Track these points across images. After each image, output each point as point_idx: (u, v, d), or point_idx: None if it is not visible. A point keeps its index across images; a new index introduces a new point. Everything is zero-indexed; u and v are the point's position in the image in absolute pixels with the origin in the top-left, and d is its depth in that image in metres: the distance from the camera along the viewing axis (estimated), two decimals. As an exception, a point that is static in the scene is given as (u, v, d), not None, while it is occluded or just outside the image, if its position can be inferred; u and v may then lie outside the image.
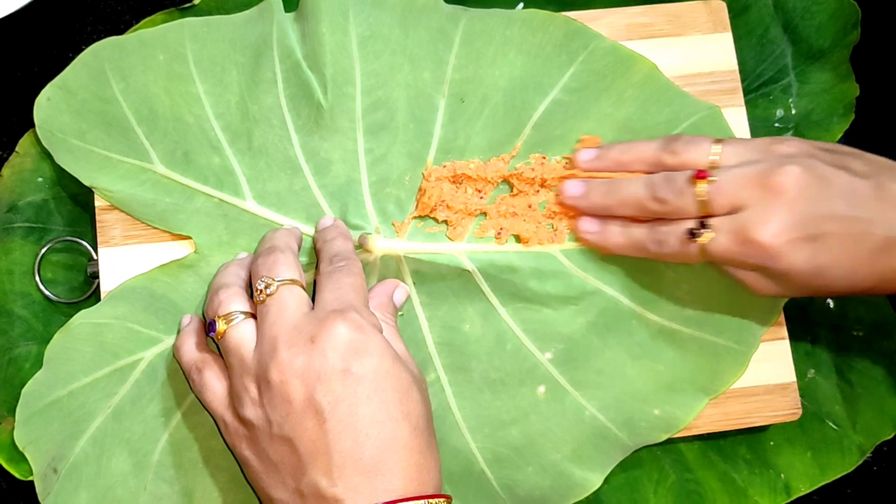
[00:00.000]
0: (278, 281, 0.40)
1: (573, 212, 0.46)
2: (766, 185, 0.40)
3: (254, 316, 0.40)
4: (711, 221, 0.41)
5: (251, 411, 0.38)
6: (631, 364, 0.45)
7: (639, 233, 0.44)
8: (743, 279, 0.42)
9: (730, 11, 0.51)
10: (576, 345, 0.45)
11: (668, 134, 0.47)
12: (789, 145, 0.42)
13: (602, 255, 0.46)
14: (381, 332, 0.39)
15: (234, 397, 0.39)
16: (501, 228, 0.46)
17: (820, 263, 0.40)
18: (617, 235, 0.44)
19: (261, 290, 0.40)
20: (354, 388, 0.37)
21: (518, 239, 0.46)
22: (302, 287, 0.40)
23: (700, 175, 0.41)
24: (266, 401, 0.38)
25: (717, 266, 0.43)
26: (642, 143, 0.45)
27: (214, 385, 0.40)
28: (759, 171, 0.41)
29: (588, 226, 0.45)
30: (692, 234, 0.41)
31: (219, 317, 0.40)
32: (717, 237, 0.41)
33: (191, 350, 0.42)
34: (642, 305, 0.46)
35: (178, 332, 0.43)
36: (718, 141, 0.43)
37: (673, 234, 0.42)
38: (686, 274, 0.46)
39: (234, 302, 0.40)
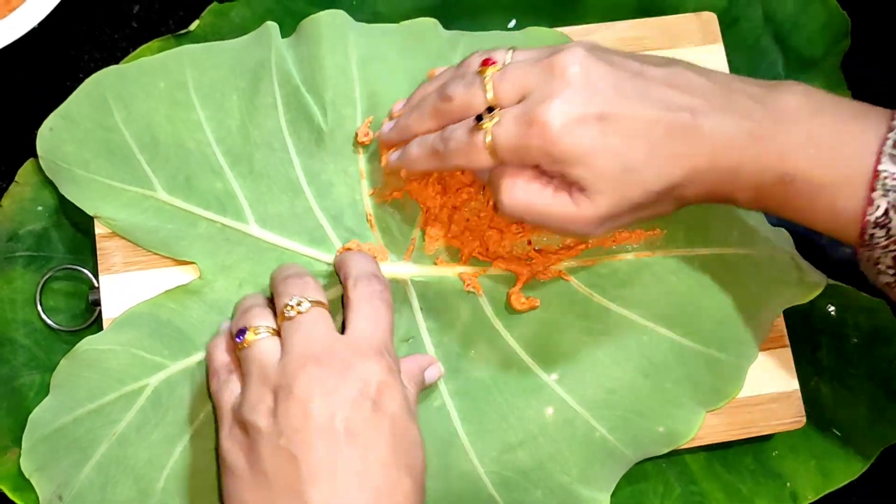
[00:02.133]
0: (311, 300, 0.41)
1: (397, 168, 0.46)
2: (550, 65, 0.40)
3: (278, 336, 0.42)
4: (499, 109, 0.41)
5: (262, 419, 0.39)
6: (642, 381, 0.47)
7: (431, 138, 0.43)
8: (548, 211, 0.41)
9: (721, 24, 0.54)
10: (582, 364, 0.47)
11: None
12: (575, 44, 0.42)
13: (608, 273, 0.48)
14: (402, 381, 0.41)
15: (244, 402, 0.40)
16: (503, 253, 0.48)
17: (612, 143, 0.39)
18: (413, 149, 0.44)
19: (292, 307, 0.41)
20: (375, 425, 0.39)
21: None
22: (329, 312, 0.42)
23: (486, 62, 0.42)
24: (281, 411, 0.39)
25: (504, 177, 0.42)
26: (444, 70, 0.46)
27: (234, 387, 0.42)
28: (545, 54, 0.41)
29: (391, 156, 0.46)
30: (478, 121, 0.41)
31: (250, 327, 0.42)
32: (502, 122, 0.40)
33: (223, 352, 0.44)
34: (654, 321, 0.48)
35: (215, 334, 0.45)
36: (512, 48, 0.43)
37: (461, 128, 0.42)
38: (696, 286, 0.48)
39: (262, 317, 0.42)
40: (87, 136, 0.47)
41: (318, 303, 0.42)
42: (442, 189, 0.48)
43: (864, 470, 0.51)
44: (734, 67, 0.54)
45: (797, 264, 0.49)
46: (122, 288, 0.47)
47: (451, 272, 0.48)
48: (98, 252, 0.47)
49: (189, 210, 0.47)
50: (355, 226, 0.48)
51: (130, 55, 0.50)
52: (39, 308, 0.48)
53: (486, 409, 0.47)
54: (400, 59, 0.49)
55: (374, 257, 0.47)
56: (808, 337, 0.53)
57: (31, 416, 0.45)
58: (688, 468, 0.50)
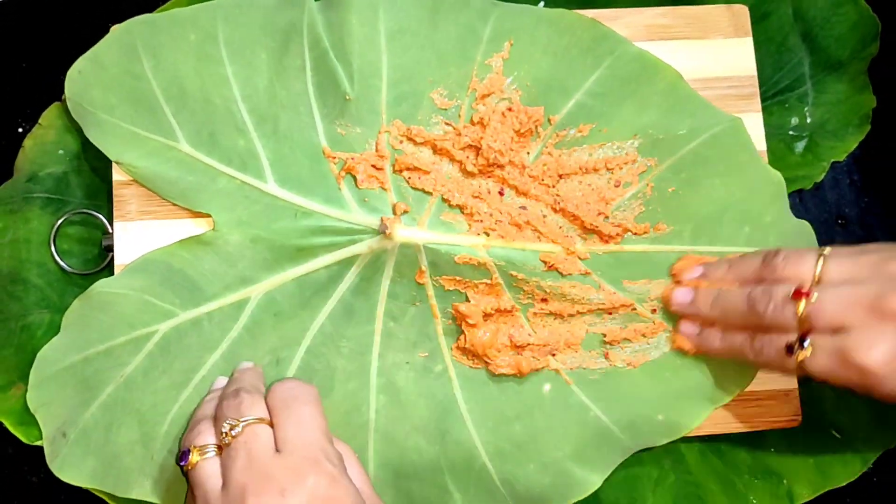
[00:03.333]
0: (243, 422, 0.42)
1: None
2: (875, 308, 0.42)
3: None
4: (812, 338, 0.43)
5: None
6: (639, 369, 0.49)
7: (738, 340, 0.46)
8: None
9: (752, 17, 0.55)
10: (583, 346, 0.49)
11: (690, 141, 0.50)
12: None
13: (623, 266, 0.50)
14: (348, 478, 0.41)
15: None
16: (518, 224, 0.49)
17: None
18: (716, 341, 0.48)
19: (226, 433, 0.42)
20: None
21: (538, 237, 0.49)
22: (269, 425, 0.42)
23: (798, 294, 0.44)
24: None
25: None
26: (745, 261, 0.48)
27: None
28: (867, 293, 0.42)
29: (689, 329, 0.49)
30: (790, 350, 0.44)
31: (195, 447, 0.42)
32: (816, 355, 0.43)
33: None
34: (658, 314, 0.49)
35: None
36: (822, 254, 0.45)
37: (771, 346, 0.45)
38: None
39: (211, 434, 0.43)
40: (115, 82, 0.48)
41: (255, 421, 0.42)
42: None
43: (862, 472, 0.52)
44: (760, 62, 0.55)
45: None
46: (135, 235, 0.49)
47: (464, 241, 0.49)
48: (114, 199, 0.49)
49: (210, 164, 0.49)
50: (374, 191, 0.49)
51: (163, 6, 0.51)
52: (53, 250, 0.50)
53: (487, 379, 0.48)
54: (429, 32, 0.50)
55: None
56: (813, 337, 0.53)
57: (39, 353, 0.46)
58: (683, 458, 0.52)
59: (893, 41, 0.56)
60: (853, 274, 0.43)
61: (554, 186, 0.50)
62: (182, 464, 0.42)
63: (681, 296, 0.49)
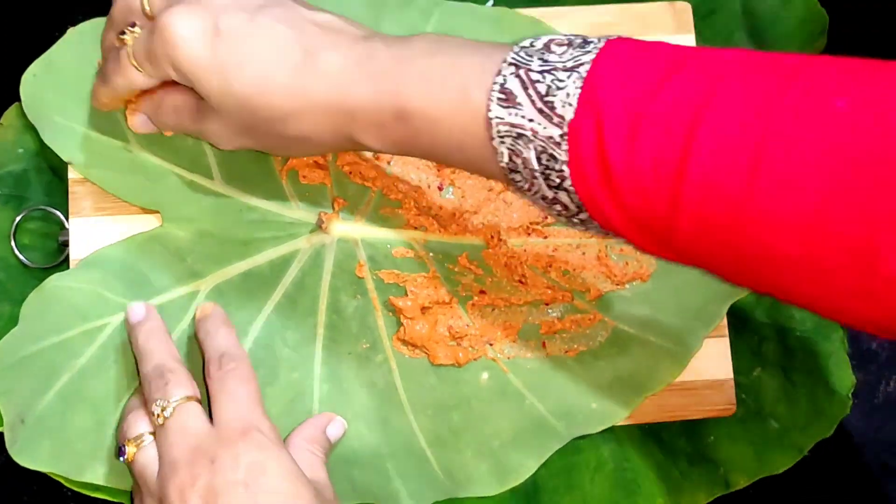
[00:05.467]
0: (174, 402, 0.44)
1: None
2: None
3: None
4: (141, 25, 0.44)
5: None
6: (574, 358, 0.52)
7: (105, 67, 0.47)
8: (191, 127, 0.45)
9: (696, 14, 0.57)
10: (521, 336, 0.51)
11: None
12: None
13: (560, 256, 0.52)
14: (282, 447, 0.44)
15: None
16: (455, 213, 0.52)
17: (224, 61, 0.41)
18: (97, 86, 0.48)
19: (158, 414, 0.44)
20: None
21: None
22: (197, 401, 0.45)
23: None
24: None
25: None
26: None
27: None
28: None
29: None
30: (122, 35, 0.44)
31: (128, 441, 0.45)
32: (140, 34, 0.43)
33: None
34: (594, 304, 0.52)
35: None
36: None
37: (112, 47, 0.45)
38: (633, 275, 0.52)
39: (141, 423, 0.45)
40: (68, 85, 0.52)
41: (184, 399, 0.44)
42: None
43: (797, 460, 0.54)
44: (705, 59, 0.57)
45: None
46: (90, 231, 0.52)
47: (400, 235, 0.52)
48: (70, 196, 0.52)
49: (159, 164, 0.52)
50: (314, 185, 0.52)
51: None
52: (13, 244, 0.53)
53: (426, 369, 0.51)
54: (372, 26, 0.52)
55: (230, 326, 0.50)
56: (754, 329, 0.56)
57: None
58: (622, 445, 0.55)
59: (840, 35, 0.58)
60: None
61: (499, 194, 0.53)
62: (121, 459, 0.45)
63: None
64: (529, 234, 0.53)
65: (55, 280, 0.51)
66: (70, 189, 0.52)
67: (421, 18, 0.54)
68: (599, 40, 0.38)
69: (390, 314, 0.52)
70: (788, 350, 0.56)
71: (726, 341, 0.54)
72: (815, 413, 0.55)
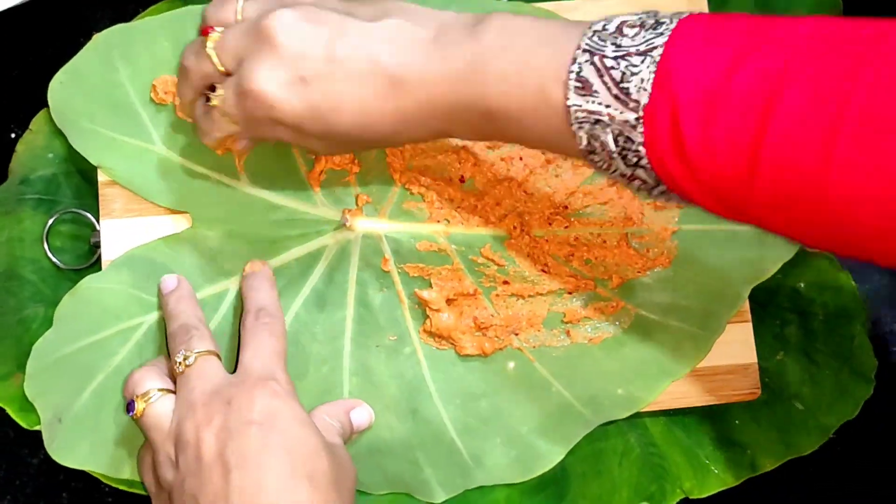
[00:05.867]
0: (196, 353, 0.46)
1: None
2: (257, 31, 0.43)
3: (172, 392, 0.46)
4: (223, 82, 0.45)
5: (169, 473, 0.44)
6: (598, 345, 0.52)
7: (193, 109, 0.48)
8: (300, 144, 0.46)
9: (710, 3, 0.57)
10: (545, 325, 0.53)
11: None
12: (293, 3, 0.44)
13: (581, 244, 0.53)
14: (296, 398, 0.46)
15: (156, 467, 0.45)
16: (478, 205, 0.53)
17: (319, 107, 0.43)
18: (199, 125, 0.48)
19: (180, 362, 0.46)
20: (263, 446, 0.43)
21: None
22: (218, 357, 0.47)
23: (205, 31, 0.45)
24: (181, 461, 0.44)
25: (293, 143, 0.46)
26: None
27: (146, 459, 0.47)
28: (254, 19, 0.44)
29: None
30: (208, 101, 0.45)
31: (137, 396, 0.46)
32: (226, 97, 0.44)
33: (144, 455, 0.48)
34: (617, 291, 0.53)
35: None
36: None
37: (200, 107, 0.46)
38: (654, 262, 0.53)
39: (150, 380, 0.47)
40: (94, 91, 0.53)
41: (206, 352, 0.47)
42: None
43: (823, 442, 0.55)
44: (721, 47, 0.57)
45: (760, 240, 0.54)
46: (121, 232, 0.53)
47: (423, 229, 0.53)
48: (100, 198, 0.53)
49: (186, 165, 0.53)
50: (339, 183, 0.53)
51: (140, 14, 0.56)
52: (46, 247, 0.55)
53: (454, 359, 0.52)
54: None
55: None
56: (777, 313, 0.57)
57: (35, 346, 0.51)
58: (648, 431, 0.55)
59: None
60: (263, 7, 0.44)
61: (520, 184, 0.53)
62: (130, 414, 0.46)
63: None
64: (551, 224, 0.54)
65: (89, 282, 0.52)
66: (100, 192, 0.53)
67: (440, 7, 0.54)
68: (672, 19, 0.38)
69: (416, 307, 0.53)
70: (811, 333, 0.57)
71: (749, 326, 0.54)
72: (839, 395, 0.56)
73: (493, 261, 0.53)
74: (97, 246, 0.54)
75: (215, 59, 0.45)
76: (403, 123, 0.43)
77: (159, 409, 0.46)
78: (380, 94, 0.42)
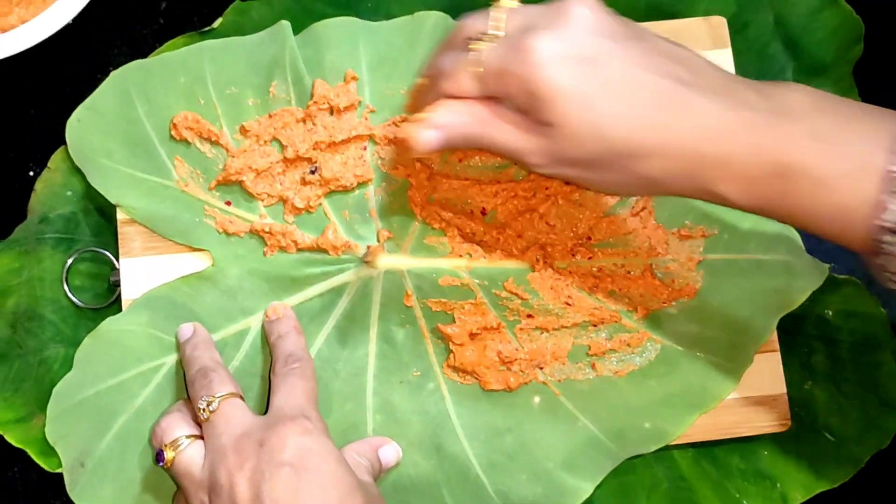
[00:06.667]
0: (219, 397, 0.46)
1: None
2: (558, 7, 0.41)
3: (200, 437, 0.46)
4: (496, 37, 0.42)
5: None
6: (624, 378, 0.52)
7: (449, 50, 0.44)
8: (508, 145, 0.42)
9: (730, 28, 0.57)
10: (570, 358, 0.52)
11: None
12: None
13: (605, 276, 0.53)
14: (328, 436, 0.45)
15: None
16: (500, 238, 0.52)
17: (590, 91, 0.39)
18: (447, 59, 0.44)
19: (203, 409, 0.46)
20: (297, 486, 0.42)
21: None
22: (241, 398, 0.47)
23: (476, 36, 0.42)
24: None
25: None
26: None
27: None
28: (551, 3, 0.42)
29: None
30: (474, 40, 0.42)
31: (165, 445, 0.46)
32: (493, 46, 0.41)
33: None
34: (642, 323, 0.52)
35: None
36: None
37: (456, 51, 0.43)
38: (680, 293, 0.52)
39: (177, 428, 0.46)
40: (112, 128, 0.52)
41: (228, 395, 0.46)
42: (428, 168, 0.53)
43: (854, 473, 0.54)
44: (742, 72, 0.57)
45: (788, 269, 0.53)
46: (140, 271, 0.53)
47: (445, 264, 0.52)
48: (119, 236, 0.53)
49: (205, 200, 0.52)
50: (359, 217, 0.53)
51: (156, 51, 0.55)
52: (66, 287, 0.54)
53: (478, 394, 0.51)
54: (409, 59, 0.53)
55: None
56: (803, 342, 0.56)
57: (55, 389, 0.51)
58: (676, 464, 0.54)
59: (878, 42, 0.58)
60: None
61: (542, 216, 0.53)
62: (160, 464, 0.46)
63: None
64: (574, 255, 0.53)
65: (109, 324, 0.51)
66: (119, 230, 0.53)
67: None
68: None
69: (440, 342, 0.52)
70: (838, 362, 0.56)
71: (777, 356, 0.54)
72: (868, 425, 0.55)
73: (516, 294, 0.52)
74: (116, 284, 0.53)
75: (497, 23, 0.42)
76: (672, 144, 0.39)
77: (189, 456, 0.45)
78: (660, 103, 0.39)
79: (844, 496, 0.55)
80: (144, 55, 0.55)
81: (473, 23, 0.44)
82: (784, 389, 0.53)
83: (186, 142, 0.52)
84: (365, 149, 0.53)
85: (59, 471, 0.51)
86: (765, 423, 0.53)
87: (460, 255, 0.53)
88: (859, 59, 0.58)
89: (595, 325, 0.52)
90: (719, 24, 0.57)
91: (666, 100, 0.39)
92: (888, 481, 0.56)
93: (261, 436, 0.44)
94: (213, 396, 0.46)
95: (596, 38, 0.40)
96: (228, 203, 0.53)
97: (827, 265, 0.53)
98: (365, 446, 0.50)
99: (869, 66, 0.58)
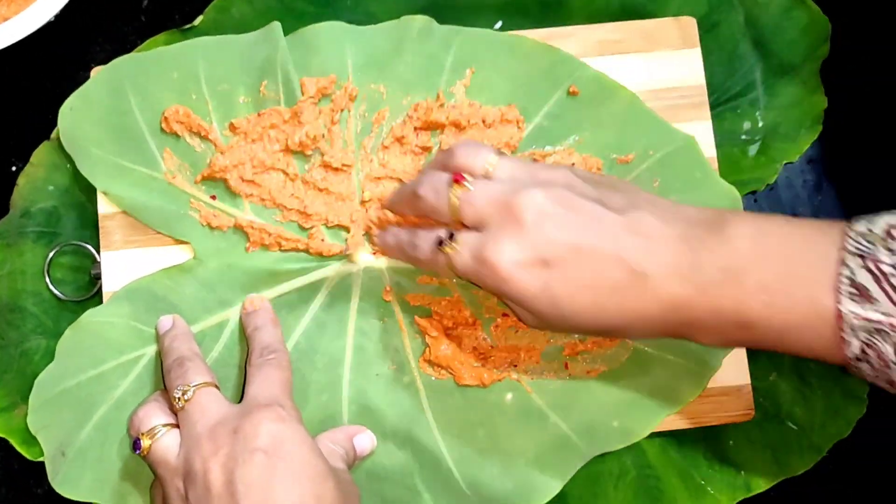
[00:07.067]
0: (194, 386, 0.47)
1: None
2: (507, 206, 0.43)
3: (176, 426, 0.47)
4: (460, 235, 0.45)
5: None
6: (596, 378, 0.53)
7: (403, 235, 0.49)
8: (509, 308, 0.46)
9: (701, 27, 0.58)
10: (544, 357, 0.53)
11: (644, 160, 0.54)
12: (554, 172, 0.45)
13: None
14: (301, 424, 0.46)
15: (168, 502, 0.46)
16: None
17: (555, 293, 0.42)
18: (389, 237, 0.50)
19: (178, 398, 0.47)
20: (270, 472, 0.43)
21: None
22: (216, 387, 0.48)
23: (457, 178, 0.45)
24: (191, 494, 0.44)
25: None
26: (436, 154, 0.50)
27: (158, 495, 0.48)
28: (506, 190, 0.44)
29: (375, 234, 0.52)
30: (440, 244, 0.45)
31: (142, 434, 0.47)
32: (460, 251, 0.44)
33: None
34: None
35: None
36: (501, 154, 0.46)
37: (427, 240, 0.47)
38: None
39: (154, 417, 0.47)
40: (104, 118, 0.53)
41: (203, 384, 0.47)
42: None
43: (816, 461, 0.56)
44: (711, 72, 0.58)
45: None
46: (121, 264, 0.54)
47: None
48: (100, 230, 0.54)
49: (191, 193, 0.53)
50: (343, 216, 0.54)
51: (139, 47, 0.56)
52: (47, 279, 0.55)
53: (452, 389, 0.52)
54: (396, 62, 0.55)
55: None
56: (769, 334, 0.57)
57: (37, 380, 0.52)
58: (643, 453, 0.56)
59: (843, 42, 0.59)
60: (515, 174, 0.45)
61: None
62: (137, 452, 0.47)
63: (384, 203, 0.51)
64: None
65: (89, 316, 0.52)
66: (100, 223, 0.54)
67: (441, 48, 0.55)
68: None
69: (417, 336, 0.53)
70: (803, 354, 0.57)
71: (742, 349, 0.55)
72: (831, 414, 0.56)
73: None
74: (98, 277, 0.54)
75: (458, 213, 0.45)
76: (640, 320, 0.43)
77: (165, 444, 0.46)
78: (620, 288, 0.42)
79: (807, 483, 0.56)
80: (126, 52, 0.56)
81: (434, 199, 0.46)
82: (748, 380, 0.55)
83: (176, 135, 0.53)
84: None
85: (40, 460, 0.52)
86: (730, 413, 0.55)
87: None
88: (827, 59, 0.59)
89: None
90: (689, 24, 0.58)
91: (623, 286, 0.42)
92: (849, 470, 0.58)
93: (235, 424, 0.45)
94: (189, 386, 0.47)
95: (552, 237, 0.42)
96: (214, 197, 0.54)
97: None
98: (340, 434, 0.51)
99: (834, 66, 0.60)
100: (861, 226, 0.40)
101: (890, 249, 0.38)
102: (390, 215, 0.52)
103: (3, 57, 0.54)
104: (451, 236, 0.45)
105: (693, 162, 0.54)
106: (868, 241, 0.38)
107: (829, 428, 0.56)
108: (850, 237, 0.39)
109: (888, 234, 0.39)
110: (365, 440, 0.51)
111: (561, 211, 0.43)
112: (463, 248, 0.45)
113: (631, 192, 0.45)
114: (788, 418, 0.57)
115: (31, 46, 0.55)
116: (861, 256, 0.38)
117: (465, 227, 0.45)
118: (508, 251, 0.43)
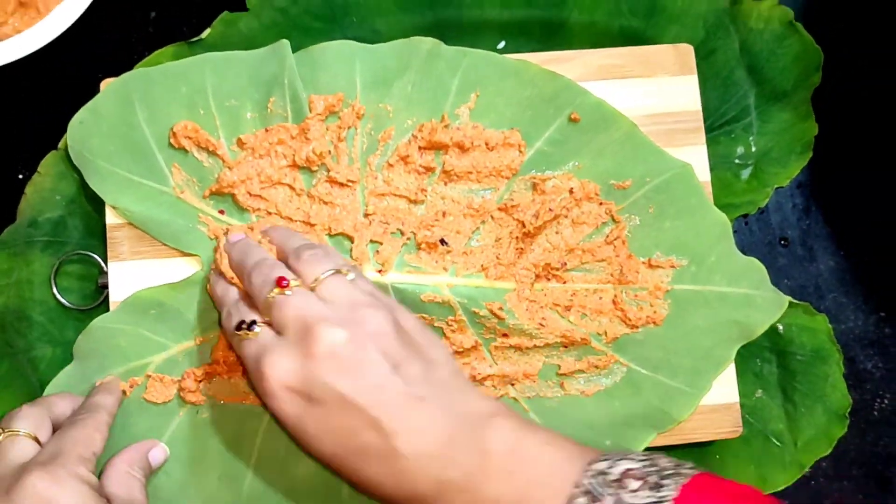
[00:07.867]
0: (8, 431, 0.47)
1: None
2: (307, 329, 0.44)
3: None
4: (262, 328, 0.47)
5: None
6: (590, 398, 0.55)
7: (230, 296, 0.50)
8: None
9: (697, 54, 0.60)
10: (541, 376, 0.55)
11: (641, 187, 0.56)
12: (374, 315, 0.46)
13: (578, 300, 0.55)
14: (84, 484, 0.45)
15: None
16: (485, 267, 0.55)
17: (307, 428, 0.44)
18: (219, 288, 0.51)
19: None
20: None
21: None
22: (34, 440, 0.47)
23: (279, 282, 0.47)
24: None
25: None
26: (298, 238, 0.52)
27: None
28: (317, 314, 0.45)
29: (215, 273, 0.52)
30: (240, 326, 0.47)
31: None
32: (249, 344, 0.46)
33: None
34: (610, 346, 0.55)
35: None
36: (341, 272, 0.47)
37: (237, 315, 0.48)
38: (647, 319, 0.55)
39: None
40: (112, 132, 0.54)
41: (15, 432, 0.47)
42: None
43: (798, 477, 0.58)
44: (707, 97, 0.60)
45: (749, 302, 0.55)
46: (128, 274, 0.55)
47: (427, 280, 0.55)
48: (108, 240, 0.55)
49: (199, 207, 0.54)
50: (348, 234, 0.55)
51: (146, 59, 0.57)
52: (54, 289, 0.56)
53: None
54: (403, 83, 0.56)
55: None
56: (756, 352, 0.59)
57: (52, 381, 0.53)
58: (634, 466, 0.57)
59: (834, 69, 0.61)
60: (341, 298, 0.46)
61: (521, 239, 0.55)
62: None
63: (231, 236, 0.52)
64: (549, 280, 0.56)
65: (99, 322, 0.53)
66: (108, 234, 0.55)
67: (448, 70, 0.56)
68: (676, 481, 0.41)
69: None
70: (788, 373, 0.59)
71: (732, 367, 0.57)
72: (814, 432, 0.58)
73: (494, 313, 0.55)
74: (104, 287, 0.55)
75: (268, 312, 0.46)
76: (371, 487, 0.44)
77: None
78: (369, 454, 0.44)
79: (790, 496, 0.59)
80: (133, 63, 0.56)
81: (259, 286, 0.47)
82: (737, 399, 0.57)
83: (184, 150, 0.54)
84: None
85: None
86: (719, 429, 0.57)
87: (445, 269, 0.55)
88: (819, 87, 0.61)
89: (566, 347, 0.55)
90: (686, 51, 0.59)
91: (372, 454, 0.44)
92: (830, 485, 0.60)
93: (10, 482, 0.44)
94: (3, 429, 0.47)
95: (326, 379, 0.43)
96: (222, 212, 0.55)
97: (787, 298, 0.56)
98: (136, 454, 0.51)
99: (825, 93, 0.61)
100: (603, 463, 0.43)
101: (618, 497, 0.41)
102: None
103: (12, 67, 0.55)
104: (252, 325, 0.47)
105: (688, 189, 0.56)
106: (601, 485, 0.42)
107: (812, 446, 0.58)
108: (588, 473, 0.43)
109: (620, 482, 0.42)
110: (159, 454, 0.52)
111: (351, 359, 0.44)
112: (252, 343, 0.46)
113: (436, 368, 0.46)
114: (773, 435, 0.59)
115: (40, 57, 0.55)
116: (591, 495, 0.42)
117: (269, 325, 0.47)
118: (283, 370, 0.44)
